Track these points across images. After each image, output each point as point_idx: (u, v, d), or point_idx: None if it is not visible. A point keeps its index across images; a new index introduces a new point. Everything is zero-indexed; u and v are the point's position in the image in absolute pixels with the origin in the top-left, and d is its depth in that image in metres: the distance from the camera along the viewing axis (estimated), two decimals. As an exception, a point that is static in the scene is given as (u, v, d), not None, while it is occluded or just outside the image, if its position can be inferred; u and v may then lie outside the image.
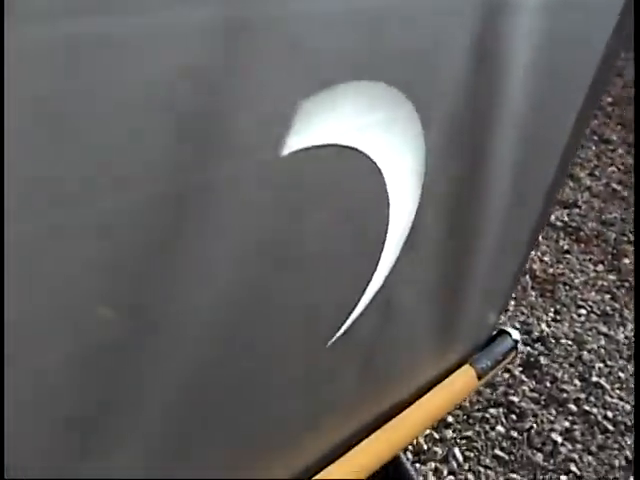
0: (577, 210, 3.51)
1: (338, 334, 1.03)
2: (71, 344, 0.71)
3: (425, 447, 2.09)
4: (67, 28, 0.58)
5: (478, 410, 2.26)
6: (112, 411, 0.78)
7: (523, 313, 2.72)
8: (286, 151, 0.80)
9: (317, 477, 1.13)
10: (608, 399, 2.40)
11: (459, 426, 2.19)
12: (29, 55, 0.56)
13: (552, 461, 2.15)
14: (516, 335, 1.61)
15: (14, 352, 0.65)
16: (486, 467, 2.10)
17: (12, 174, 0.59)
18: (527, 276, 2.89)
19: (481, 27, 1.00)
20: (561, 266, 3.06)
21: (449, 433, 2.16)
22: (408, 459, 1.98)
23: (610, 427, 2.29)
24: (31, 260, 0.64)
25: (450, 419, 2.19)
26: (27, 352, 0.67)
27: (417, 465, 2.04)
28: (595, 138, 4.25)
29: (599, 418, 2.31)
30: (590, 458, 2.18)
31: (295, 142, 0.81)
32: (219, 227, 0.78)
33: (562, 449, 2.19)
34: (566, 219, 3.40)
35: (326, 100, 0.82)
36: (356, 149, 0.89)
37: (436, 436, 2.13)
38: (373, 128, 0.91)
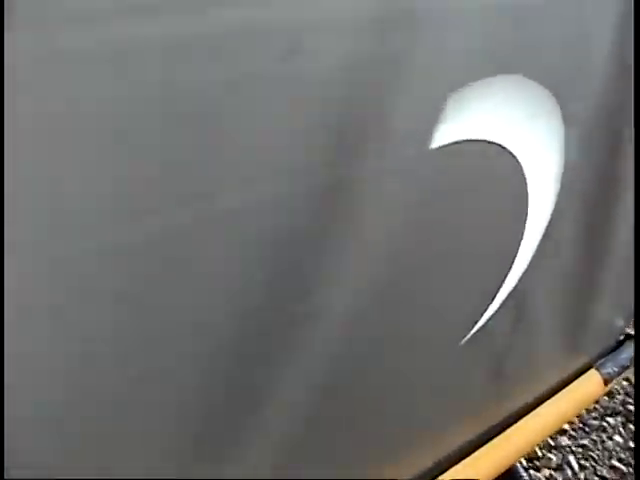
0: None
1: (471, 333, 1.02)
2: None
3: (540, 454, 2.04)
4: (215, 20, 0.60)
5: (595, 418, 2.19)
6: (238, 410, 0.79)
7: (642, 320, 2.63)
8: (433, 145, 0.80)
9: None
10: None
11: (575, 434, 2.13)
12: (169, 47, 0.58)
13: (673, 475, 2.06)
14: (644, 341, 1.55)
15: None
16: (602, 478, 2.03)
17: (157, 171, 0.61)
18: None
19: (626, 21, 0.97)
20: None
21: (564, 440, 2.10)
22: (522, 465, 1.94)
23: None
24: (180, 248, 0.66)
25: (566, 426, 2.13)
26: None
27: (531, 472, 1.99)
28: None
29: None
30: None
31: (442, 136, 0.80)
32: (363, 221, 0.79)
33: (683, 463, 2.10)
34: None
35: (473, 94, 0.81)
36: (499, 145, 0.88)
37: (551, 443, 2.08)
38: (516, 124, 0.89)
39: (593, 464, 2.06)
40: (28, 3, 0.49)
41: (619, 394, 2.27)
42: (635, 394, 2.27)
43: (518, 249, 1.03)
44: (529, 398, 1.28)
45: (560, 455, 2.06)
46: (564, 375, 1.38)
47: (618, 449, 2.11)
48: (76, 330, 0.60)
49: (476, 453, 1.18)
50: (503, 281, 1.04)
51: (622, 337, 1.56)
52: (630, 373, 2.15)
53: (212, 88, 0.61)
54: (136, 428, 0.69)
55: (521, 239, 1.02)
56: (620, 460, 2.08)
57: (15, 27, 0.48)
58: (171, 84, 0.58)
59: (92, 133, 0.55)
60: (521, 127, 0.91)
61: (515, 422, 1.24)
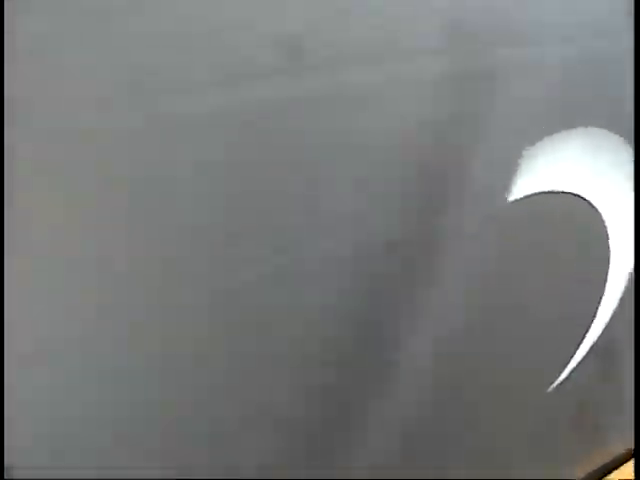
0: None
1: (558, 381, 1.03)
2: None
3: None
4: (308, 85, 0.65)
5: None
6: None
7: None
8: (511, 198, 0.83)
9: None
10: None
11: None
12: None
13: None
14: None
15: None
16: None
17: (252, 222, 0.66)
18: None
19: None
20: None
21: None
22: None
23: None
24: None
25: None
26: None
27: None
28: None
29: None
30: None
31: (520, 189, 0.83)
32: (444, 276, 0.81)
33: None
34: None
35: (550, 146, 0.84)
36: (579, 196, 0.90)
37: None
38: (596, 174, 0.91)
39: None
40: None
41: None
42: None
43: (601, 298, 1.03)
44: (623, 449, 1.26)
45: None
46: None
47: None
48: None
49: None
50: (588, 330, 1.04)
51: None
52: None
53: (297, 151, 0.67)
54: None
55: (604, 289, 1.02)
56: None
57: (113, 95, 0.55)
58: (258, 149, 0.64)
59: (189, 192, 0.61)
60: (601, 178, 0.93)
61: (610, 472, 1.22)
